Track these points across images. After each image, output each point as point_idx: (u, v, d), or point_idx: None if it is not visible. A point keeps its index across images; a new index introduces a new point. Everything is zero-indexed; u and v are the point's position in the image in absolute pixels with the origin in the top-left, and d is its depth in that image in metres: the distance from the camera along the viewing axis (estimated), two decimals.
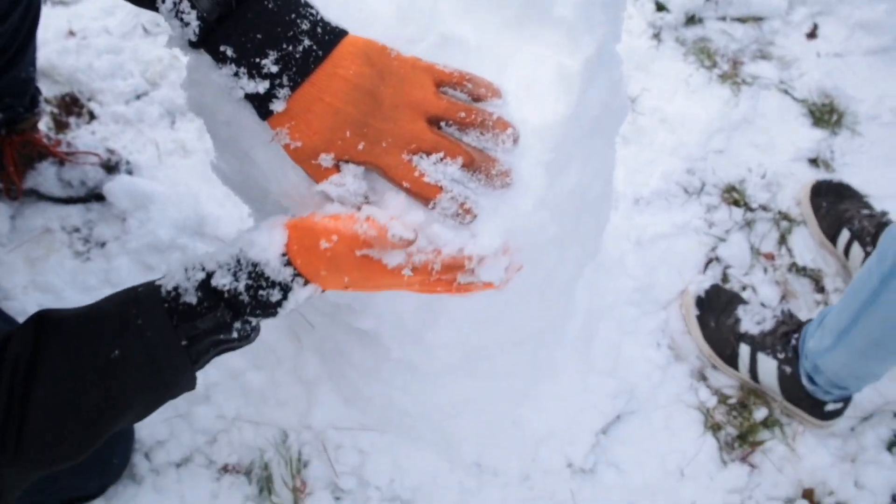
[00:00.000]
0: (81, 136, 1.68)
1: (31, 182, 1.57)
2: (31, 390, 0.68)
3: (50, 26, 1.79)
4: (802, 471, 1.46)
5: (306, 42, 0.68)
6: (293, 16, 0.68)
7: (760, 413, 1.50)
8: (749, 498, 1.44)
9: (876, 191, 1.65)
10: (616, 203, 1.68)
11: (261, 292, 0.71)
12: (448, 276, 0.73)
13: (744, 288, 1.64)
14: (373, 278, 0.72)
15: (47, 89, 1.72)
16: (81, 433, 0.72)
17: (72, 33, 1.81)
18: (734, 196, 1.73)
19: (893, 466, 1.47)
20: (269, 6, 0.67)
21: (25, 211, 1.60)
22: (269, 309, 0.73)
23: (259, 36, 0.67)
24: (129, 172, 1.63)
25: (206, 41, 0.68)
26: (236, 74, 0.69)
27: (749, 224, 1.70)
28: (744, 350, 1.50)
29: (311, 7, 0.70)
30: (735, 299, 1.57)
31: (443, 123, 0.73)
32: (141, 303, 0.72)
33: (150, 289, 0.73)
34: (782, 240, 1.69)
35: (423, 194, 0.71)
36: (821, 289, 1.64)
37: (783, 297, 1.63)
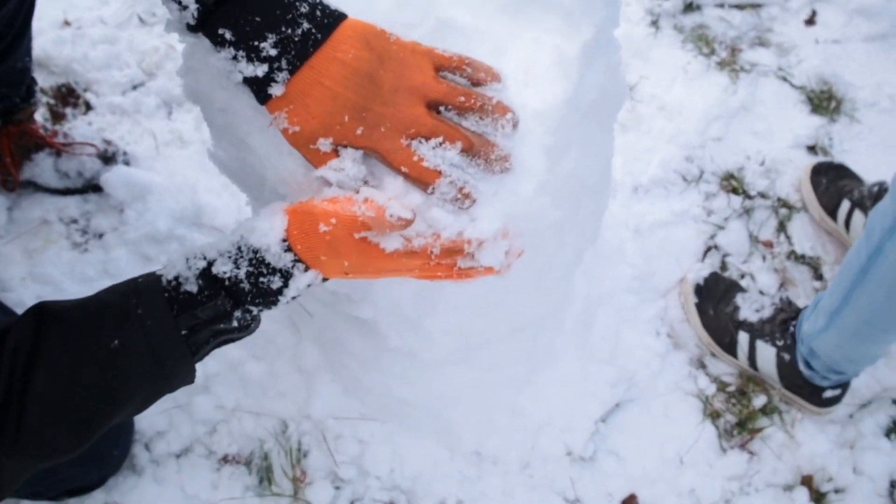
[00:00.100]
0: (78, 127, 1.67)
1: (28, 173, 1.56)
2: (30, 381, 0.68)
3: (45, 16, 1.78)
4: (801, 457, 1.47)
5: (305, 25, 0.68)
6: None
7: (759, 400, 1.51)
8: (748, 485, 1.45)
9: (874, 177, 1.65)
10: (614, 191, 1.68)
11: (261, 279, 0.71)
12: (448, 260, 0.72)
13: (742, 276, 1.64)
14: (372, 262, 0.72)
15: (43, 80, 1.72)
16: (80, 425, 0.71)
17: (67, 23, 1.80)
18: (733, 184, 1.73)
19: (892, 452, 1.48)
20: None
21: (22, 202, 1.59)
22: (270, 297, 0.72)
23: (258, 19, 0.67)
24: (127, 163, 1.62)
25: (205, 24, 0.68)
26: (235, 58, 0.68)
27: (748, 212, 1.70)
28: (742, 338, 1.50)
29: None
30: (734, 287, 1.57)
31: (442, 108, 0.73)
32: (141, 293, 0.71)
33: (151, 279, 0.73)
34: (781, 227, 1.69)
35: (422, 179, 0.71)
36: (819, 276, 1.65)
37: (782, 285, 1.63)
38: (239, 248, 0.71)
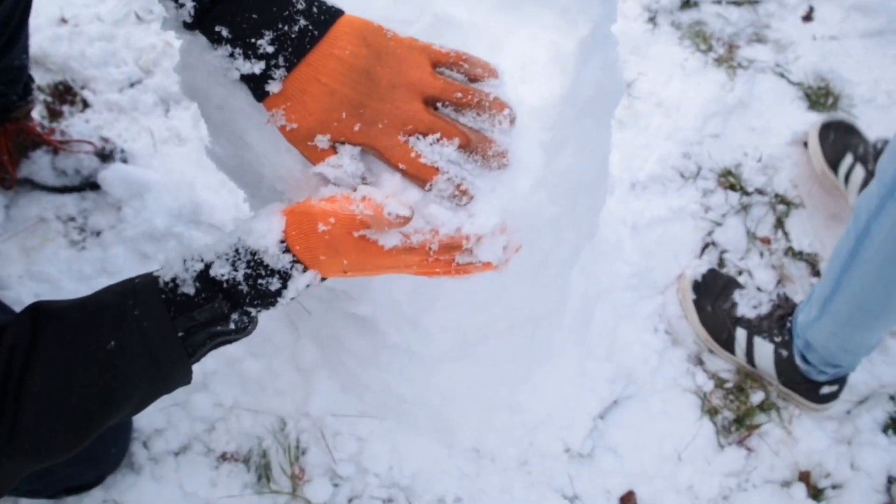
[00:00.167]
0: (75, 125, 1.67)
1: (26, 171, 1.56)
2: (26, 381, 0.68)
3: (42, 13, 1.78)
4: (799, 454, 1.47)
5: (302, 22, 0.68)
6: None
7: (757, 397, 1.51)
8: (746, 481, 1.45)
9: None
10: (612, 187, 1.68)
11: (260, 281, 0.71)
12: (446, 256, 0.72)
13: (740, 272, 1.64)
14: (371, 260, 0.72)
15: (40, 77, 1.71)
16: (77, 425, 0.71)
17: (64, 20, 1.80)
18: (730, 180, 1.73)
19: (889, 448, 1.48)
20: None
21: (20, 200, 1.59)
22: (269, 298, 0.72)
23: (254, 16, 0.67)
24: (124, 161, 1.62)
25: (202, 22, 0.68)
26: (232, 55, 0.68)
27: (745, 208, 1.70)
28: (740, 334, 1.50)
29: None
30: (731, 283, 1.57)
31: (439, 104, 0.73)
32: (138, 294, 0.71)
33: (148, 280, 0.72)
34: (779, 224, 1.70)
35: (420, 176, 0.71)
36: (817, 272, 1.65)
37: (779, 281, 1.63)
38: (236, 251, 0.71)
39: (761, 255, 1.66)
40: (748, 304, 1.52)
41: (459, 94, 0.72)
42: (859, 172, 1.60)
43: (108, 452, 1.31)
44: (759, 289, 1.61)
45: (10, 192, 1.58)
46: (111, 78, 1.75)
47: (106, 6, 1.84)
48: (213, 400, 1.43)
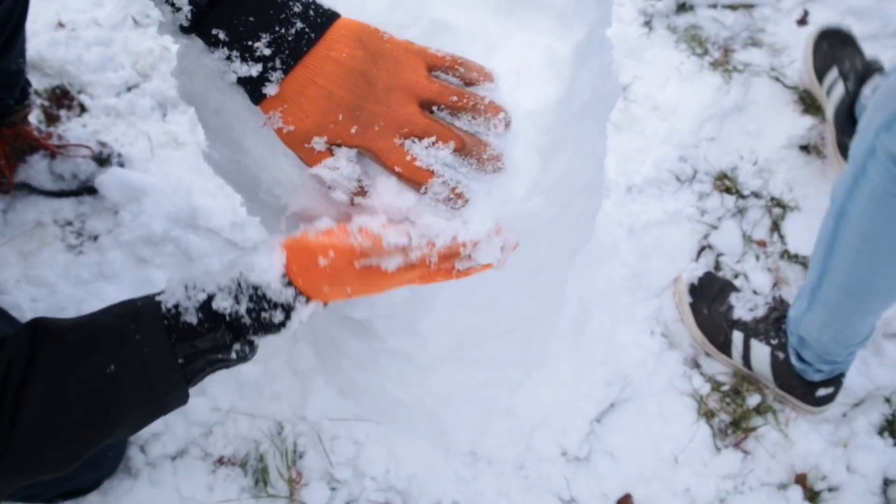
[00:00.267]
0: (72, 129, 1.67)
1: (23, 175, 1.56)
2: (22, 398, 0.68)
3: (39, 17, 1.78)
4: (795, 456, 1.47)
5: (299, 25, 0.68)
6: None
7: (753, 399, 1.51)
8: (742, 484, 1.45)
9: None
10: (608, 191, 1.69)
11: (263, 314, 0.72)
12: (446, 265, 0.73)
13: (736, 275, 1.64)
14: (374, 283, 0.73)
15: (37, 81, 1.71)
16: (70, 445, 0.72)
17: (61, 25, 1.80)
18: (726, 183, 1.73)
19: (884, 451, 1.48)
20: None
21: (17, 204, 1.59)
22: (272, 329, 0.74)
23: (251, 19, 0.67)
24: (121, 165, 1.62)
25: (198, 25, 0.68)
26: (229, 58, 0.68)
27: (741, 211, 1.71)
28: (737, 337, 1.51)
29: None
30: (728, 286, 1.57)
31: (435, 107, 0.73)
32: (140, 318, 0.72)
33: (150, 304, 0.73)
34: (774, 227, 1.70)
35: (415, 179, 0.71)
36: None
37: (775, 284, 1.64)
38: (239, 285, 0.72)
39: (757, 258, 1.67)
40: (744, 307, 1.53)
41: (455, 98, 0.72)
42: (839, 89, 1.60)
43: (105, 457, 1.31)
44: (755, 292, 1.61)
45: (7, 197, 1.58)
46: (108, 82, 1.75)
47: (103, 10, 1.84)
48: (211, 404, 1.43)
